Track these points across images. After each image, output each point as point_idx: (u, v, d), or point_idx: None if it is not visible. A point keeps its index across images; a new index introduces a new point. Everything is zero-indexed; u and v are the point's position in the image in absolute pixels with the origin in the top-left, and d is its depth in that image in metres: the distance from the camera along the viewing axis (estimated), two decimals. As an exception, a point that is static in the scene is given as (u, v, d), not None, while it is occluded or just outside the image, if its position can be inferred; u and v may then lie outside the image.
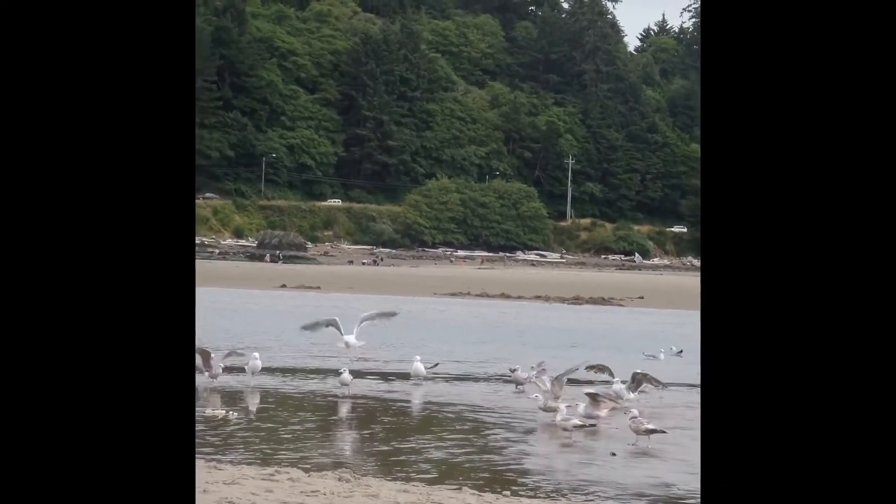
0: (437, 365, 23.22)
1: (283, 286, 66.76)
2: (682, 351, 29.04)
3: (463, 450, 14.90)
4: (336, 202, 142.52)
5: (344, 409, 17.64)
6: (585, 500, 11.83)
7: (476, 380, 23.86)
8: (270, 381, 22.29)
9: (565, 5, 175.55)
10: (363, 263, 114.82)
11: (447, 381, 23.18)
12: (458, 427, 17.22)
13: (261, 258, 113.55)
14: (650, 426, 16.12)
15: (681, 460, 15.14)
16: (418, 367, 22.47)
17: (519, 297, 63.33)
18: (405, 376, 22.84)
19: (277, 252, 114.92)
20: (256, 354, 21.94)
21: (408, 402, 20.28)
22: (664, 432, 16.17)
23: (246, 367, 21.66)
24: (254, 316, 41.60)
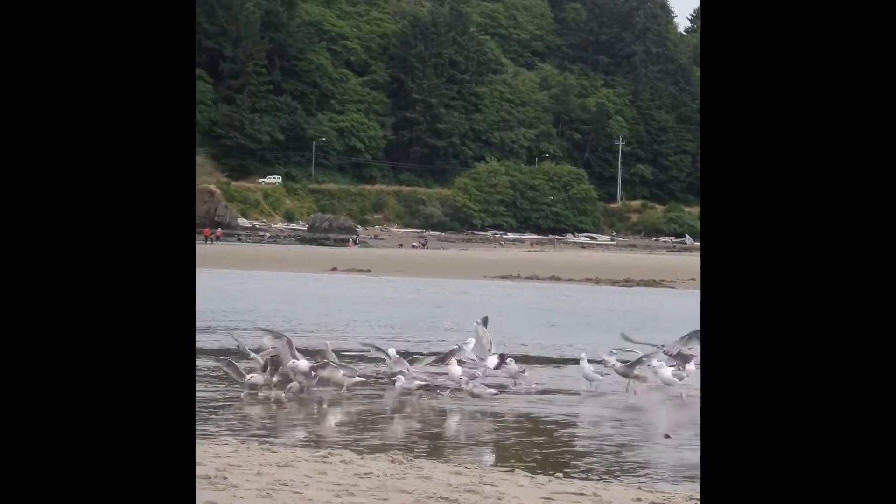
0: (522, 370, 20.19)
1: (334, 269, 67.02)
2: None
3: (515, 432, 14.89)
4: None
5: (396, 393, 17.68)
6: (638, 482, 11.80)
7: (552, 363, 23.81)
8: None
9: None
10: (412, 246, 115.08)
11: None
12: (510, 409, 17.22)
13: (311, 241, 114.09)
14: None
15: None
16: (492, 360, 21.37)
17: (569, 280, 63.17)
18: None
19: (355, 237, 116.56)
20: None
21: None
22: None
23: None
24: (310, 300, 41.78)
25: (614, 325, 34.16)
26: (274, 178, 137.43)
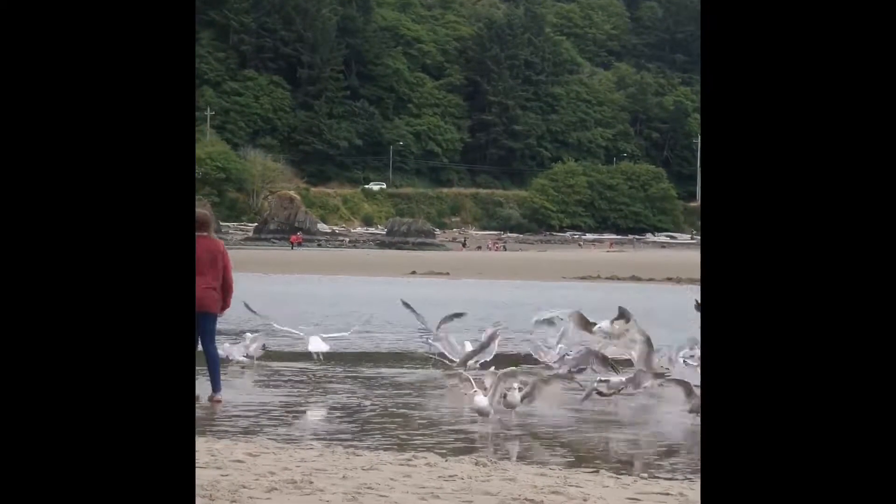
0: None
1: (413, 273, 67.21)
2: None
3: (600, 433, 14.81)
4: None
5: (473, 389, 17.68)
6: (725, 484, 11.66)
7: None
8: (395, 369, 22.48)
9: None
10: (488, 248, 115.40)
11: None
12: (591, 409, 17.12)
13: (391, 245, 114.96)
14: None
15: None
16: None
17: (650, 280, 62.73)
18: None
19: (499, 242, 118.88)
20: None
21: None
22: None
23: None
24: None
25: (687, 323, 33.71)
26: (378, 184, 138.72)
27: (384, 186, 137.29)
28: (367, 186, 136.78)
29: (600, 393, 16.60)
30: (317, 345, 22.08)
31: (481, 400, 13.87)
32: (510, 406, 14.80)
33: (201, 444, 11.21)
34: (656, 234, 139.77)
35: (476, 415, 14.72)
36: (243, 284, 24.46)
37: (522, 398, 14.84)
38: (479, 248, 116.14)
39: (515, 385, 14.70)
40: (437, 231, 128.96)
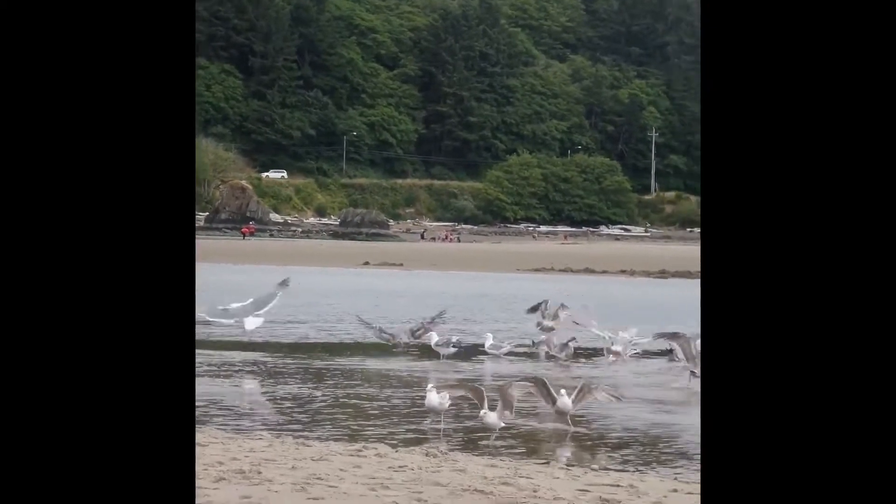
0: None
1: (367, 263, 67.10)
2: None
3: (548, 424, 14.81)
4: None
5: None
6: (675, 474, 11.71)
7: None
8: (355, 359, 22.43)
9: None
10: (441, 239, 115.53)
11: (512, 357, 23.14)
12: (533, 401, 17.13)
13: (344, 236, 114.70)
14: None
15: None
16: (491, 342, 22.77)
17: (603, 272, 62.98)
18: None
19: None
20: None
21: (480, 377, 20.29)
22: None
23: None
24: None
25: (644, 316, 33.99)
26: (277, 171, 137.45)
27: (285, 175, 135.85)
28: (266, 175, 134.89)
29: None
30: (252, 323, 22.76)
31: (491, 416, 13.41)
32: (562, 412, 14.35)
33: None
34: (610, 226, 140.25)
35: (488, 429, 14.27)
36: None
37: (575, 401, 14.40)
38: (434, 238, 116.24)
39: (563, 391, 14.45)
40: (391, 222, 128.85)
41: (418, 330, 23.59)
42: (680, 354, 19.26)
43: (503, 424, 13.51)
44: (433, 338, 22.44)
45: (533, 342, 24.21)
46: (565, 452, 13.04)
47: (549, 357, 22.52)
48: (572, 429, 14.27)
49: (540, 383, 14.41)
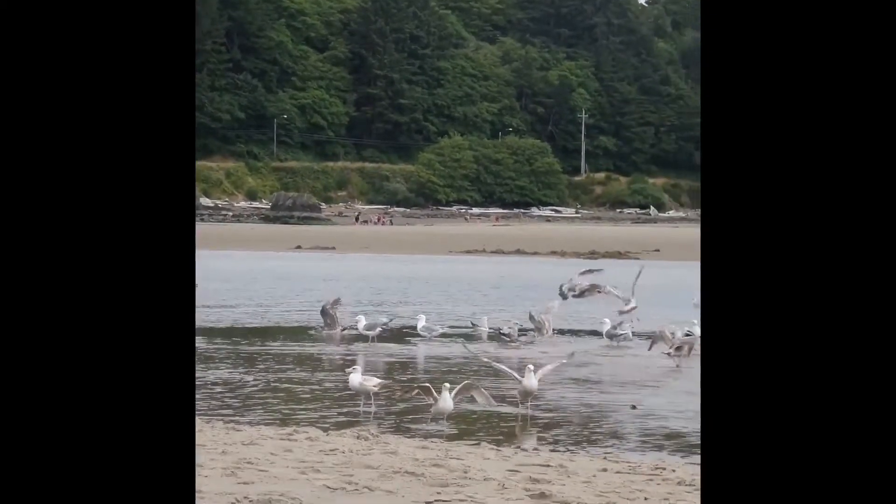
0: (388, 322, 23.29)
1: (299, 247, 66.84)
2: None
3: (479, 406, 14.88)
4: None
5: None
6: (605, 453, 11.82)
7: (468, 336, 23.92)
8: (291, 343, 22.38)
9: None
10: (373, 223, 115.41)
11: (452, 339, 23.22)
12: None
13: (276, 220, 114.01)
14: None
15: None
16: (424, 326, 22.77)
17: (534, 253, 63.28)
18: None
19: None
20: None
21: (414, 358, 20.35)
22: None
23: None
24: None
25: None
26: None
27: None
28: None
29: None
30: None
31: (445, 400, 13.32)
32: (528, 392, 14.28)
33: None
34: (541, 208, 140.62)
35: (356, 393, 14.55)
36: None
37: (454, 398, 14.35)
38: (366, 222, 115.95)
39: (531, 367, 14.45)
40: (323, 205, 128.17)
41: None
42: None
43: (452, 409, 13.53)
44: (361, 321, 22.50)
45: (472, 324, 24.36)
46: (496, 434, 13.11)
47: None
48: (529, 411, 14.30)
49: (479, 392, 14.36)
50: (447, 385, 13.51)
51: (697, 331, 21.41)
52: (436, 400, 13.36)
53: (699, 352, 20.20)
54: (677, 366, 19.36)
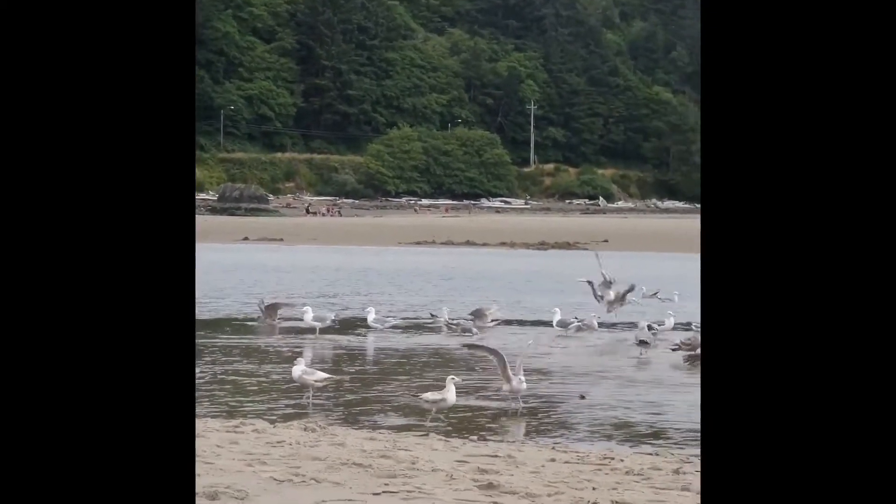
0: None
1: (246, 239, 66.49)
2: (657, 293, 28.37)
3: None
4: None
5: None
6: (553, 443, 11.81)
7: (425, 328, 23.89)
8: (235, 335, 22.25)
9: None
10: (322, 214, 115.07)
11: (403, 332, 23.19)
12: (421, 374, 17.17)
13: (223, 211, 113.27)
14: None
15: (649, 402, 15.17)
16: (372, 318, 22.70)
17: (484, 244, 63.33)
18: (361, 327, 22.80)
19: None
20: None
21: (364, 350, 20.29)
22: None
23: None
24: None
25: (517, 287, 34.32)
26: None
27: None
28: None
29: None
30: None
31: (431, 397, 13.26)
32: (516, 391, 14.21)
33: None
34: (491, 199, 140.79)
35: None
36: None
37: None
38: (315, 213, 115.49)
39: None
40: (271, 197, 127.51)
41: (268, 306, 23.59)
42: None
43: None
44: (308, 314, 22.39)
45: (431, 314, 24.35)
46: (443, 425, 13.07)
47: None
48: (521, 406, 14.20)
49: (500, 358, 14.36)
50: (453, 378, 13.44)
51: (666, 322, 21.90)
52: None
53: (658, 345, 20.26)
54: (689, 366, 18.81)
